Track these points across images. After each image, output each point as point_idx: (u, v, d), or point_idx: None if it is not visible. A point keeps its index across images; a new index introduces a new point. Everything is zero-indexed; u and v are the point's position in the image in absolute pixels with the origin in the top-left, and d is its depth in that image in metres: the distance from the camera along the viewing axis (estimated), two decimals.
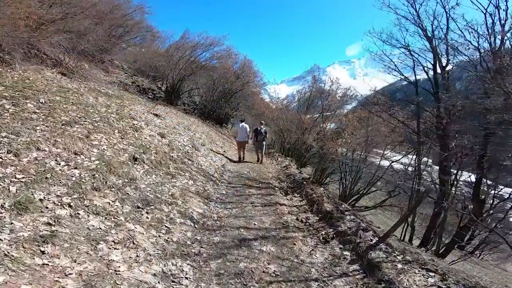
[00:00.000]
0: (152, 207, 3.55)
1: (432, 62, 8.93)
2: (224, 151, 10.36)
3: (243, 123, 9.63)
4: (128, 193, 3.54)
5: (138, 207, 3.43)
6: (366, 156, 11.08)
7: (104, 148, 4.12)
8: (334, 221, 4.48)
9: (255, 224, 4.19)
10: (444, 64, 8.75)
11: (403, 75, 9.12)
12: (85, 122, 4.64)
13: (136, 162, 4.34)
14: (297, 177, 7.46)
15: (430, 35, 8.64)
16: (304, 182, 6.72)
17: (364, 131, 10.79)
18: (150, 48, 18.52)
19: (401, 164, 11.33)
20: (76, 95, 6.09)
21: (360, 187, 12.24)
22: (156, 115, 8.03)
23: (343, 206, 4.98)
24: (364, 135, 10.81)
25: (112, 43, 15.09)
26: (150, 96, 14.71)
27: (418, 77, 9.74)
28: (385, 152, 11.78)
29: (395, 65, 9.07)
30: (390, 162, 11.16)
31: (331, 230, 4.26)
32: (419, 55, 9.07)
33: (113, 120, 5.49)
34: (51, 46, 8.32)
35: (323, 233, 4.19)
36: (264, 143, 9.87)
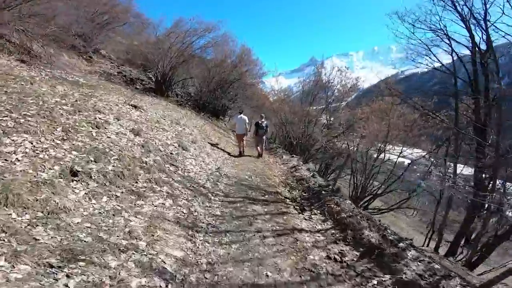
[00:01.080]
0: (81, 264, 1.91)
1: (470, 47, 7.22)
2: (221, 147, 8.72)
3: (241, 115, 8.95)
4: (37, 239, 1.90)
5: (52, 267, 1.79)
6: (385, 152, 9.47)
7: (17, 158, 2.46)
8: (388, 260, 2.88)
9: (268, 275, 2.58)
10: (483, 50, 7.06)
11: (440, 62, 7.41)
12: (5, 118, 2.97)
13: (75, 178, 2.67)
14: (312, 183, 5.85)
15: (465, 15, 6.93)
16: (323, 192, 5.10)
17: (383, 124, 9.16)
18: (141, 37, 16.65)
19: (425, 162, 9.76)
20: (22, 83, 4.57)
21: (373, 187, 10.74)
22: (134, 106, 6.32)
23: (392, 235, 3.36)
24: (378, 130, 9.19)
25: (96, 30, 13.32)
26: (138, 87, 12.98)
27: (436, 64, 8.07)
28: (404, 149, 10.19)
29: (429, 49, 7.34)
30: (413, 159, 9.57)
31: (387, 277, 2.66)
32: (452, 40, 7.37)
33: (61, 114, 3.82)
34: (15, 32, 6.96)
35: (375, 283, 2.60)
36: (264, 137, 9.17)
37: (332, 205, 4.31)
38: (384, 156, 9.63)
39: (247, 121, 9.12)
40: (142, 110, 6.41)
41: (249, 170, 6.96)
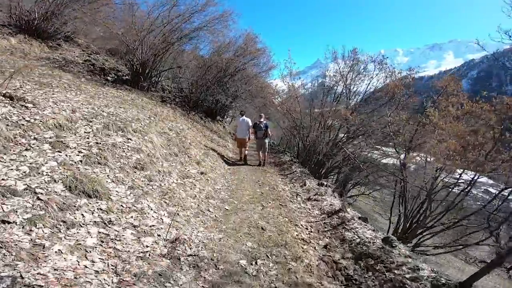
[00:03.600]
0: None
1: None
2: (207, 167, 5.29)
3: (243, 117, 7.54)
4: None
5: None
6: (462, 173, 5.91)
7: None
8: None
9: None
10: None
11: None
12: None
13: None
14: (395, 268, 2.31)
15: None
16: None
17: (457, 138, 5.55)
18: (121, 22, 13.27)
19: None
20: None
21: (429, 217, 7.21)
22: (10, 98, 2.90)
23: None
24: (455, 146, 5.57)
25: (58, 12, 10.07)
26: (109, 78, 9.68)
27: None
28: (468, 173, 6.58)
29: None
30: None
31: None
32: None
33: None
34: None
35: None
36: (266, 140, 7.31)
37: None
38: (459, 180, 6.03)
39: (250, 123, 7.54)
40: (28, 104, 2.98)
41: (250, 224, 3.46)
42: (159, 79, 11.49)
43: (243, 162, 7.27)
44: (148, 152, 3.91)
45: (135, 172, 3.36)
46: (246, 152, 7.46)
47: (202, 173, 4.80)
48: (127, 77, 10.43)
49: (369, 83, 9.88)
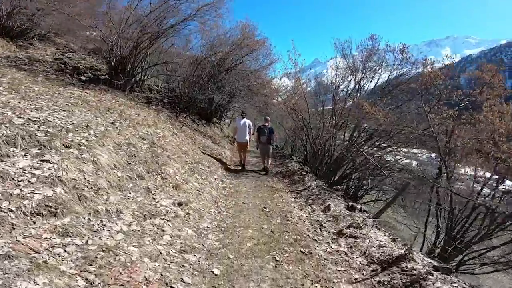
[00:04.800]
0: None
1: None
2: (200, 185, 3.67)
3: (244, 119, 6.62)
4: None
5: None
6: None
7: None
8: None
9: None
10: None
11: None
12: None
13: None
14: None
15: None
16: None
17: None
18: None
19: None
20: None
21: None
22: None
23: None
24: None
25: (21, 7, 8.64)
26: (82, 78, 8.14)
27: None
28: None
29: None
30: None
31: None
32: None
33: None
34: None
35: None
36: (270, 146, 6.48)
37: None
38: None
39: (251, 126, 6.85)
40: None
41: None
42: (145, 77, 9.88)
43: (241, 167, 6.61)
44: (78, 181, 2.27)
45: (35, 223, 1.72)
46: (246, 155, 6.79)
47: (180, 203, 3.15)
48: (106, 76, 8.84)
49: (388, 76, 8.24)
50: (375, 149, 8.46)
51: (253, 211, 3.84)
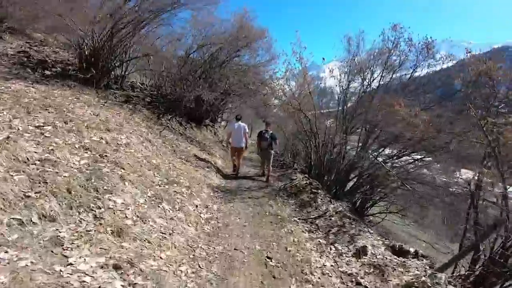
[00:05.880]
0: None
1: None
2: (169, 223, 2.22)
3: (239, 122, 6.08)
4: None
5: None
6: None
7: None
8: None
9: None
10: None
11: None
12: None
13: None
14: None
15: None
16: None
17: None
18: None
19: None
20: None
21: None
22: None
23: None
24: None
25: None
26: (47, 72, 6.78)
27: None
28: None
29: None
30: None
31: None
32: None
33: None
34: None
35: None
36: (272, 151, 6.01)
37: None
38: None
39: (247, 130, 6.25)
40: None
41: None
42: (126, 73, 8.42)
43: (235, 174, 6.10)
44: None
45: None
46: (240, 161, 6.24)
47: (117, 266, 1.70)
48: (77, 71, 7.40)
49: (411, 73, 6.90)
50: (395, 158, 7.10)
51: (251, 266, 2.40)
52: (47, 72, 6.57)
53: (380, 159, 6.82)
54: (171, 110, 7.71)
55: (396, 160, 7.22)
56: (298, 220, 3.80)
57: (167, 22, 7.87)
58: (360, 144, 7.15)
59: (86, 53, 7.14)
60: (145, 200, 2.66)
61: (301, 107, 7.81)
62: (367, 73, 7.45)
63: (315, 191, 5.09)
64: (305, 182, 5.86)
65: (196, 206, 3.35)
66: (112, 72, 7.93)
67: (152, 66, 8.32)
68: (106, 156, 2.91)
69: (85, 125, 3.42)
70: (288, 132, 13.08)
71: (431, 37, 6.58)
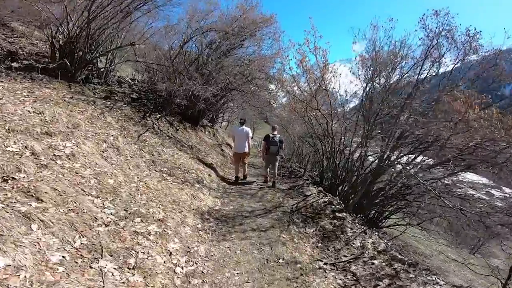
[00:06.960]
0: None
1: None
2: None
3: (243, 127, 5.71)
4: None
5: None
6: None
7: None
8: None
9: None
10: None
11: None
12: None
13: None
14: None
15: None
16: None
17: None
18: None
19: None
20: None
21: None
22: None
23: None
24: None
25: None
26: (14, 65, 5.66)
27: None
28: None
29: None
30: None
31: None
32: None
33: None
34: None
35: None
36: (278, 157, 5.66)
37: None
38: None
39: (251, 134, 5.79)
40: None
41: None
42: (111, 65, 7.25)
43: (237, 183, 5.55)
44: None
45: None
46: (246, 167, 5.87)
47: None
48: (49, 63, 6.25)
49: (454, 65, 5.64)
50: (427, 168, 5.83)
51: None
52: (15, 65, 5.49)
53: (412, 170, 5.55)
54: (161, 108, 6.52)
55: (427, 170, 5.97)
56: (325, 266, 2.56)
57: (154, 5, 6.66)
58: (388, 152, 5.86)
59: (60, 42, 6.02)
60: (62, 258, 1.45)
61: (320, 106, 6.57)
62: (396, 67, 6.23)
63: (338, 214, 3.84)
64: (323, 200, 4.60)
65: (170, 254, 2.12)
66: (94, 65, 6.80)
67: (141, 57, 7.13)
68: (13, 178, 1.72)
69: (7, 127, 2.24)
70: (294, 135, 11.84)
71: (475, 28, 5.36)
